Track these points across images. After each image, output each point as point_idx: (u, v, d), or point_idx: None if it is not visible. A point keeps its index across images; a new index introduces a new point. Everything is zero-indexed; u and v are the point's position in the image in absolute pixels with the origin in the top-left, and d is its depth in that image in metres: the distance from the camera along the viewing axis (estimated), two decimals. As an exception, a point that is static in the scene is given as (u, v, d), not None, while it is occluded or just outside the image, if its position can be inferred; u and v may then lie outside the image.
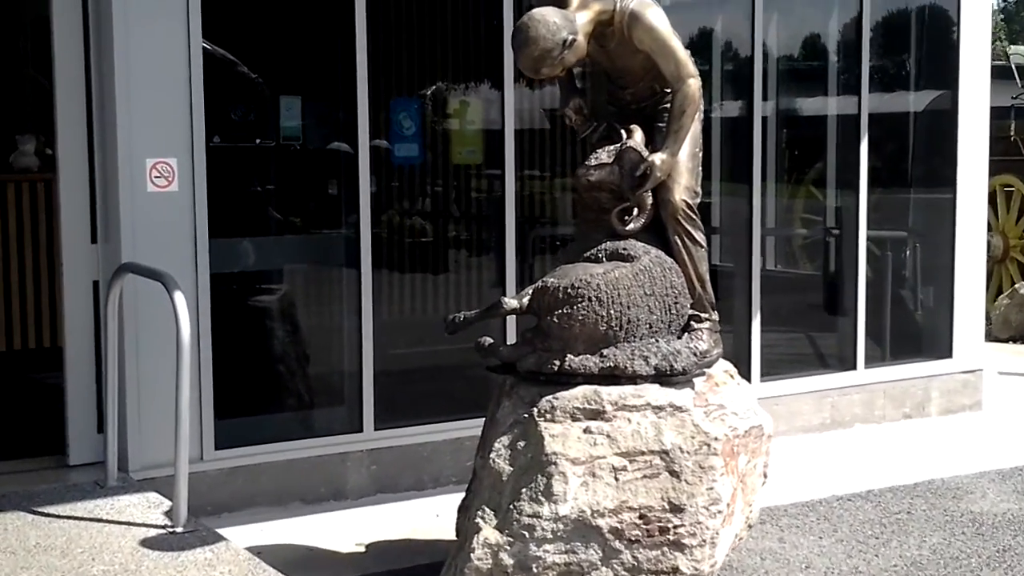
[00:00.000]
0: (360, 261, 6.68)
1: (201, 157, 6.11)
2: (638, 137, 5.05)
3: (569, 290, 4.70)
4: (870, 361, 8.36)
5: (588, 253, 4.99)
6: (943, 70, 8.74)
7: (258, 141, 6.78)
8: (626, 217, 5.01)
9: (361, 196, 6.65)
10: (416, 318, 7.32)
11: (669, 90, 5.09)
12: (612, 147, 5.06)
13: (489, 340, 4.99)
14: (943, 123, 8.73)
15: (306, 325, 7.00)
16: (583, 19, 4.86)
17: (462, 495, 5.15)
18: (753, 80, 7.82)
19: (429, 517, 6.33)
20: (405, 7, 6.99)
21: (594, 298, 4.69)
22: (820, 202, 8.93)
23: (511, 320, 6.66)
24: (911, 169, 9.10)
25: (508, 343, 5.12)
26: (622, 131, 5.10)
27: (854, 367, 8.29)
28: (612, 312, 4.70)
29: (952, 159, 8.62)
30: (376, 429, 6.74)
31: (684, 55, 4.92)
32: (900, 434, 8.25)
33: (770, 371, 8.01)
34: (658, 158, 4.91)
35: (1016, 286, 12.24)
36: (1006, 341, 11.97)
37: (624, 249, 4.92)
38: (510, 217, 7.05)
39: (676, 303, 4.89)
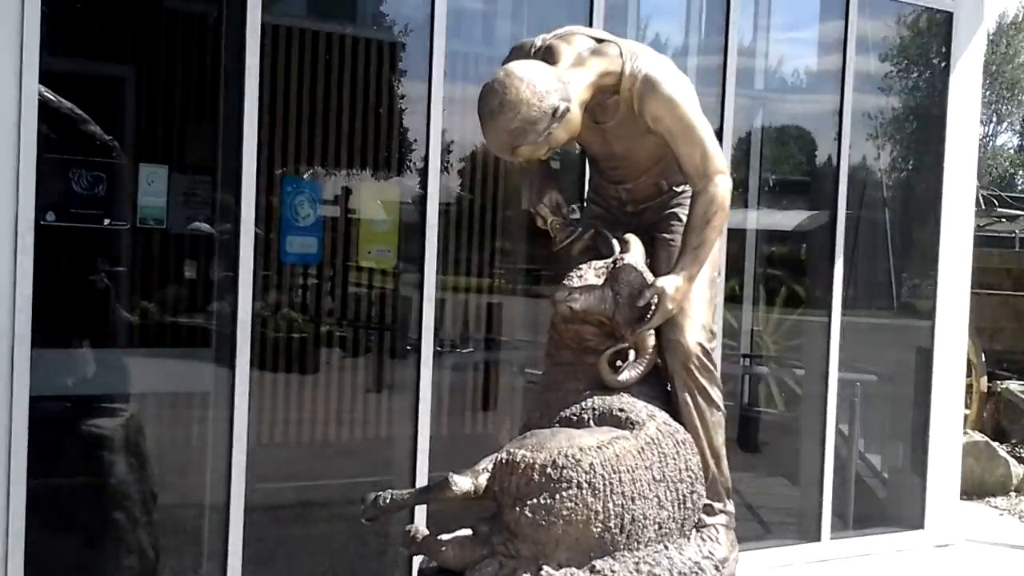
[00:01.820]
0: (234, 382, 5.18)
1: (27, 240, 4.68)
2: (636, 251, 3.67)
3: (550, 470, 3.25)
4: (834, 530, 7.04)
5: (568, 411, 3.56)
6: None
7: (107, 222, 5.22)
8: (619, 363, 3.61)
9: (240, 300, 5.14)
10: (303, 453, 6.01)
11: (679, 189, 3.76)
12: (601, 263, 3.66)
13: (424, 531, 3.49)
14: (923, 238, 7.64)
15: (157, 461, 5.55)
16: (580, 82, 3.48)
17: None
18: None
19: None
20: (309, 62, 5.60)
21: (585, 484, 3.24)
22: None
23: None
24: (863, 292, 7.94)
25: (448, 538, 3.58)
26: (614, 241, 3.72)
27: (818, 538, 6.94)
28: (611, 506, 3.26)
29: (928, 285, 7.46)
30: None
31: (714, 143, 3.57)
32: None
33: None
34: (670, 283, 3.53)
35: None
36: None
37: (621, 410, 3.50)
38: (428, 332, 5.59)
39: (692, 492, 3.47)
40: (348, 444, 6.20)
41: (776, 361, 8.03)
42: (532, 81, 3.34)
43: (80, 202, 5.05)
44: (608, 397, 3.56)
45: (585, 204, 4.02)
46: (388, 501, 3.40)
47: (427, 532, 3.47)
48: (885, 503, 7.70)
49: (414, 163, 5.92)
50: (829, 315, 7.02)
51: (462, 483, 3.31)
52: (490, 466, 3.34)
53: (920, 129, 7.95)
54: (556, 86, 3.37)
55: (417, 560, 3.59)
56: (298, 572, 5.69)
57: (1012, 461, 10.59)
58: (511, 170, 6.89)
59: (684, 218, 3.73)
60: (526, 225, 6.85)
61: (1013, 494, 10.30)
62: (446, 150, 5.87)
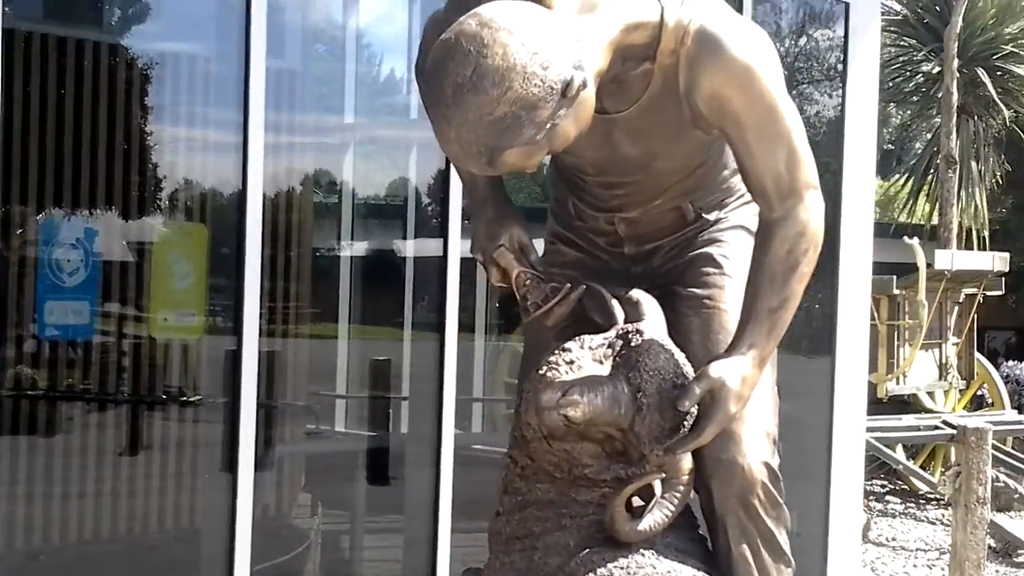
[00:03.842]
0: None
1: None
2: (654, 319, 2.28)
3: None
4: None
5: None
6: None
7: None
8: (636, 503, 2.19)
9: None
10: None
11: (711, 216, 2.41)
12: (598, 339, 2.24)
13: None
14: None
15: None
16: (595, 39, 2.03)
17: None
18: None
19: None
20: (56, 71, 4.18)
21: None
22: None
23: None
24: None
25: None
26: (614, 303, 2.30)
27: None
28: None
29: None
30: None
31: (805, 143, 2.20)
32: None
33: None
34: (732, 372, 2.13)
35: None
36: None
37: (654, 586, 2.09)
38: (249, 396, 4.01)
39: None
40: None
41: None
42: (528, 36, 1.87)
43: None
44: (625, 560, 2.16)
45: (547, 244, 2.57)
46: None
47: None
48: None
49: (220, 197, 4.43)
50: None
51: None
52: None
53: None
54: (565, 44, 1.92)
55: None
56: None
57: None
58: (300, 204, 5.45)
59: (724, 262, 2.36)
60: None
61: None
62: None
